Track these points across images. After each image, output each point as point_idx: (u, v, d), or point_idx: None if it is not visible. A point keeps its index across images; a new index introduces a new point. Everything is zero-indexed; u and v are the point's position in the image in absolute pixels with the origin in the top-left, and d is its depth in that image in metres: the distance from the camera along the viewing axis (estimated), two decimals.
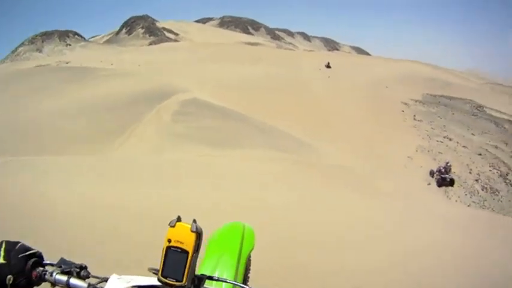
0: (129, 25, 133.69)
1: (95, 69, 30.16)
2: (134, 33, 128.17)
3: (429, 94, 35.57)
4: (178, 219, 1.34)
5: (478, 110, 33.89)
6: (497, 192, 20.76)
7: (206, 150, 14.12)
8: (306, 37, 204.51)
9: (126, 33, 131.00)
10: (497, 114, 33.24)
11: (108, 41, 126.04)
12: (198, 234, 1.31)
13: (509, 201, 20.35)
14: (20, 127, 17.82)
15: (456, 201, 19.34)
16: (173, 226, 1.33)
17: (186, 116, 18.52)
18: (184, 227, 1.32)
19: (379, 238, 8.67)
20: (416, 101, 32.69)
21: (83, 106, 19.82)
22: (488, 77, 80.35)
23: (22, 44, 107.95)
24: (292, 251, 6.09)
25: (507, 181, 21.92)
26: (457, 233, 12.59)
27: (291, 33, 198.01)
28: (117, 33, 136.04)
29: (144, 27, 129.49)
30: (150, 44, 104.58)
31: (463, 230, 13.34)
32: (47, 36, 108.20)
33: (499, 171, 22.65)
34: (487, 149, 25.00)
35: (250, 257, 2.16)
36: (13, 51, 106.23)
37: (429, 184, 20.50)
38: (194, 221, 1.33)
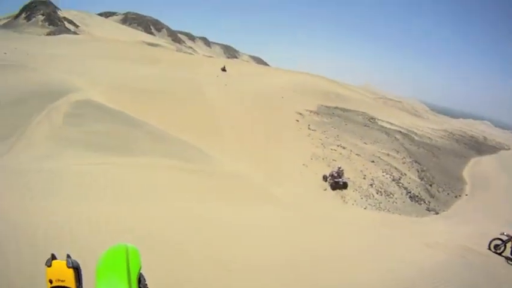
0: (30, 10, 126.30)
1: None
2: (34, 19, 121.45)
3: (324, 105, 36.59)
4: (53, 257, 1.34)
5: (371, 121, 35.32)
6: (391, 195, 21.58)
7: (100, 157, 13.24)
8: (207, 42, 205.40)
9: (25, 18, 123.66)
10: (389, 126, 34.85)
11: (4, 25, 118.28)
12: (76, 269, 1.36)
13: (403, 202, 21.27)
14: None
15: (353, 204, 19.75)
16: (49, 266, 1.32)
17: (78, 119, 17.34)
18: (61, 264, 1.33)
19: (282, 244, 8.39)
20: (311, 111, 33.38)
21: None
22: (381, 93, 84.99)
23: None
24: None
25: (400, 184, 22.91)
26: (355, 235, 12.54)
27: (192, 37, 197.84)
28: (16, 17, 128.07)
29: (45, 14, 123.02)
30: (49, 33, 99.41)
31: (361, 231, 13.37)
32: None
33: (391, 176, 23.59)
34: (379, 157, 25.89)
35: (142, 276, 2.05)
36: None
37: (325, 190, 20.76)
38: (68, 256, 1.36)
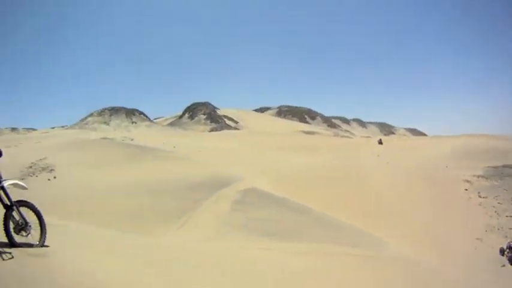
0: (192, 110, 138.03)
1: (158, 150, 30.51)
2: (196, 118, 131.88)
3: (491, 167, 33.42)
4: None
5: None
6: None
7: (262, 242, 13.27)
8: (362, 123, 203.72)
9: (188, 117, 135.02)
10: None
11: (171, 124, 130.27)
12: None
13: None
14: (84, 195, 18.23)
15: None
16: None
17: (244, 206, 17.82)
18: None
19: None
20: (478, 176, 30.54)
21: (143, 185, 19.82)
22: None
23: (91, 115, 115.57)
24: None
25: None
26: None
27: (346, 121, 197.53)
28: (180, 117, 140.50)
29: (206, 113, 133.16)
30: (212, 130, 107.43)
31: None
32: (115, 111, 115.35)
33: None
34: None
35: None
36: (82, 120, 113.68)
37: (503, 266, 18.37)
38: None
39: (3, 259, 5.49)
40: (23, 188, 6.98)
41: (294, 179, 27.31)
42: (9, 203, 6.47)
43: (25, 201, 6.81)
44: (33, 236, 6.67)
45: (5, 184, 6.40)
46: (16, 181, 6.88)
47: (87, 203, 17.14)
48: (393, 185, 27.58)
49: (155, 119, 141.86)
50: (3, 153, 6.73)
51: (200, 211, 16.59)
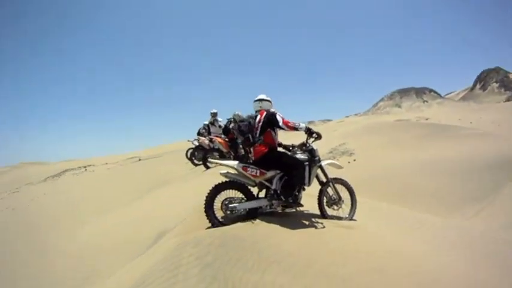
0: (482, 80, 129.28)
1: (455, 128, 28.98)
2: (489, 88, 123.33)
3: None
4: None
5: None
6: None
7: None
8: None
9: (480, 88, 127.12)
10: None
11: (463, 98, 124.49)
12: None
13: None
14: (383, 175, 19.05)
15: None
16: None
17: None
18: None
19: None
20: None
21: (440, 165, 19.21)
22: None
23: (382, 100, 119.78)
24: None
25: None
26: None
27: None
28: (472, 89, 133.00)
29: (498, 81, 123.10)
30: (508, 99, 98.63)
31: None
32: (404, 93, 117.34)
33: None
34: None
35: None
36: (374, 105, 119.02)
37: None
38: None
39: (316, 228, 6.62)
40: (339, 167, 8.04)
41: None
42: (325, 180, 7.86)
43: (340, 179, 8.12)
44: (344, 210, 7.93)
45: (323, 164, 7.35)
46: (333, 161, 7.80)
47: (387, 182, 17.70)
48: None
49: (446, 94, 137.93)
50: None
51: (501, 194, 14.96)
